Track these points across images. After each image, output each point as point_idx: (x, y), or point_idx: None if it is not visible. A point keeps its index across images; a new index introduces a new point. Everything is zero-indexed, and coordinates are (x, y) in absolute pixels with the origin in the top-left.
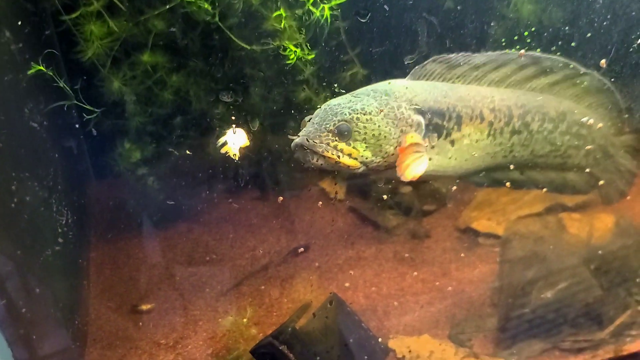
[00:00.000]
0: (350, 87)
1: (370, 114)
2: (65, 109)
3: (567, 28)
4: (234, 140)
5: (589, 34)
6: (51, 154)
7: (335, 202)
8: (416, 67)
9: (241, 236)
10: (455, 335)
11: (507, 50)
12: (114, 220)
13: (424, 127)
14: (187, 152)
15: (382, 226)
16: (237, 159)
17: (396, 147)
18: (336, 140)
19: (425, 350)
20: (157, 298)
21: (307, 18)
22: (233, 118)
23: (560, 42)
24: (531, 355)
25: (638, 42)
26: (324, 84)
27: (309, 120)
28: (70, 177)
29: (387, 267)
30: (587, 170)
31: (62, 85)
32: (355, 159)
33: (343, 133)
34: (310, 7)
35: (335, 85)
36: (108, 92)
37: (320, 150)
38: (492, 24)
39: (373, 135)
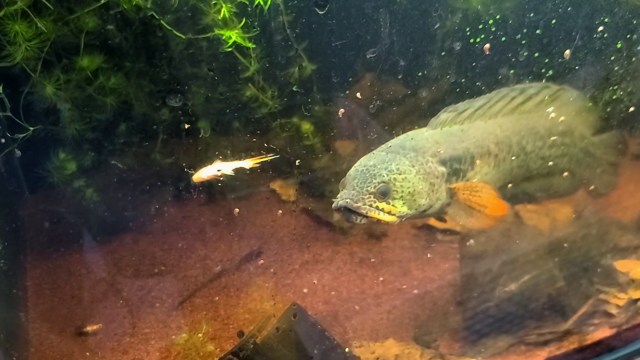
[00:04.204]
0: (299, 83)
1: (404, 172)
2: None
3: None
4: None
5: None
6: None
7: (288, 204)
8: (432, 119)
9: (191, 245)
10: (420, 337)
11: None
12: (53, 237)
13: (446, 175)
14: (129, 159)
15: (337, 227)
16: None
17: (426, 198)
18: (377, 201)
19: (391, 354)
20: (104, 317)
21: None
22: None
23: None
24: (497, 352)
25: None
26: (270, 80)
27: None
28: None
29: (345, 270)
30: (566, 173)
31: None
32: (394, 215)
33: (383, 194)
34: None
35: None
36: (41, 98)
37: (365, 211)
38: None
39: (409, 192)
